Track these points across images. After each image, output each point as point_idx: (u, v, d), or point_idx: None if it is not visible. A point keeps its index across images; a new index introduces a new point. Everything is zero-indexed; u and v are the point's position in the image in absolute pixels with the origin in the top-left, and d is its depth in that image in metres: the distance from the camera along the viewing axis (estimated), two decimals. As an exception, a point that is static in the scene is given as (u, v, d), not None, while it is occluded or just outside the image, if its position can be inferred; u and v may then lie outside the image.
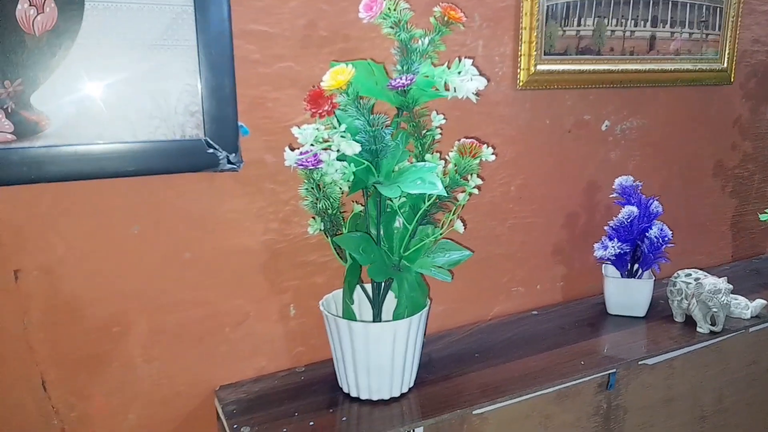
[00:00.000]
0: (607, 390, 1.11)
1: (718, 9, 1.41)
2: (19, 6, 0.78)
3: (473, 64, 0.87)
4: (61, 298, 0.89)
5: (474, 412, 0.95)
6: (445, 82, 0.88)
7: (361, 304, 1.00)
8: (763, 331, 1.28)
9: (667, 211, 1.31)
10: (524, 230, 1.28)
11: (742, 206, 1.64)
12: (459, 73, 0.87)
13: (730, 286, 1.17)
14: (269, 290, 1.03)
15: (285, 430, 0.87)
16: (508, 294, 1.30)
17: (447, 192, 0.88)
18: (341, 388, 0.98)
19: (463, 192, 0.92)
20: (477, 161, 0.90)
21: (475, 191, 0.91)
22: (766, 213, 1.48)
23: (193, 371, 1.00)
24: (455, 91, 0.86)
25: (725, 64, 1.46)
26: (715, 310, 1.16)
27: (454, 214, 0.92)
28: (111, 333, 0.93)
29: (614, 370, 1.08)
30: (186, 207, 0.94)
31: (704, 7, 1.39)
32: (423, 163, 0.88)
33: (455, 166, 0.90)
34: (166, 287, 0.96)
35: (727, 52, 1.45)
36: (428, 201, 0.89)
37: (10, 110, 0.80)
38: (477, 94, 0.86)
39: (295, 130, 0.85)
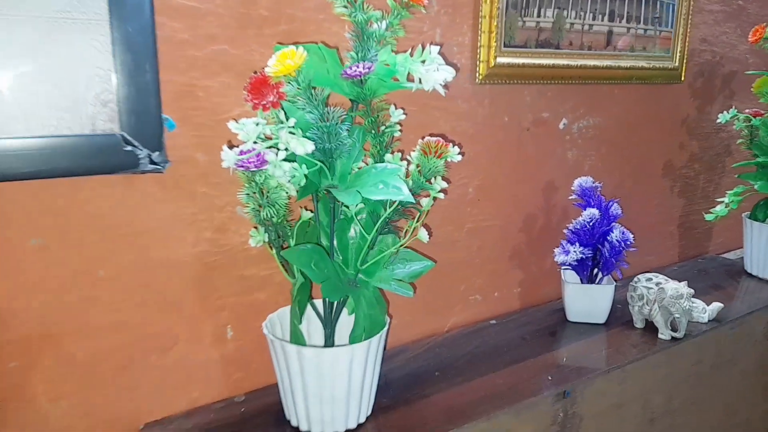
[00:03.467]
0: (564, 398, 1.04)
1: (671, 6, 1.39)
2: None
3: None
4: (-64, 330, 0.72)
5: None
6: (408, 72, 0.77)
7: (310, 324, 0.88)
8: (709, 333, 1.27)
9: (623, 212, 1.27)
10: (482, 234, 1.20)
11: (689, 206, 1.64)
12: (423, 62, 0.76)
13: (692, 291, 1.14)
14: (202, 309, 0.89)
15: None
16: (465, 303, 1.21)
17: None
18: (288, 421, 0.85)
19: (427, 197, 0.82)
20: (442, 162, 0.80)
21: (441, 195, 0.81)
22: (711, 213, 1.48)
23: (113, 407, 0.84)
24: (420, 82, 0.75)
25: (677, 63, 1.43)
26: (677, 315, 1.12)
27: (418, 221, 0.81)
28: (7, 368, 0.76)
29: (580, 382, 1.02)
30: (99, 215, 0.78)
31: (658, 3, 1.36)
32: (384, 164, 0.76)
33: (418, 167, 0.80)
34: (76, 310, 0.80)
35: (678, 50, 1.43)
36: (389, 208, 0.78)
37: None
38: (445, 86, 0.76)
39: (232, 125, 0.71)
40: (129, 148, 0.76)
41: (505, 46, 1.12)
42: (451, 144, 0.81)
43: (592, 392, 1.07)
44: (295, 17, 0.89)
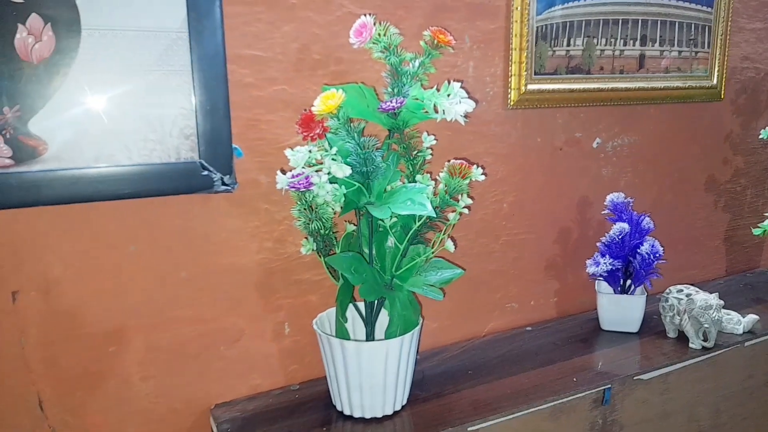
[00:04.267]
0: (602, 405, 1.11)
1: (707, 27, 1.44)
2: (18, 35, 0.80)
3: (464, 86, 0.89)
4: (58, 318, 0.91)
5: (468, 429, 0.96)
6: (435, 105, 0.89)
7: (355, 323, 1.01)
8: (758, 345, 1.29)
9: (660, 226, 1.32)
10: (517, 247, 1.30)
11: (735, 221, 1.65)
12: (448, 95, 0.89)
13: (722, 302, 1.18)
14: (264, 308, 1.04)
15: (275, 447, 0.88)
16: (502, 310, 1.31)
17: (437, 213, 0.90)
18: (335, 406, 0.99)
19: (453, 212, 0.93)
20: (466, 182, 0.92)
21: (465, 211, 0.93)
22: (759, 227, 1.49)
23: (189, 389, 1.01)
24: (444, 113, 0.88)
25: (715, 81, 1.48)
26: (706, 326, 1.17)
27: (444, 233, 0.93)
28: (108, 351, 0.95)
29: (609, 386, 1.09)
30: (181, 227, 0.96)
31: (693, 25, 1.42)
32: (413, 184, 0.89)
33: (445, 186, 0.92)
34: (163, 305, 0.97)
35: (716, 69, 1.47)
36: (419, 221, 0.90)
37: (8, 136, 0.82)
38: (466, 116, 0.88)
39: (288, 152, 0.86)
40: (205, 172, 0.93)
41: (535, 74, 1.22)
42: (474, 165, 0.93)
43: (633, 401, 1.13)
44: (342, 59, 1.04)
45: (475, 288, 1.26)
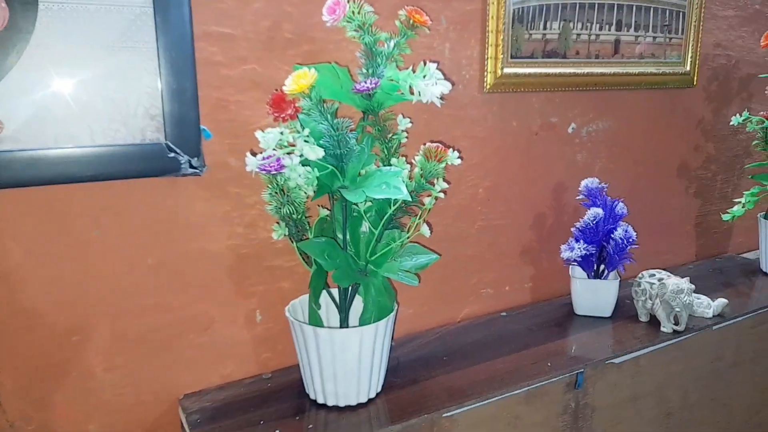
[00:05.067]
0: (575, 389, 1.12)
1: (681, 13, 1.44)
2: (-32, 6, 0.75)
3: (440, 68, 0.87)
4: (18, 306, 0.87)
5: (443, 415, 0.95)
6: (410, 86, 0.87)
7: (329, 310, 0.99)
8: (725, 328, 1.31)
9: (634, 212, 1.33)
10: (493, 232, 1.29)
11: (706, 206, 1.68)
12: (424, 77, 0.87)
13: (692, 286, 1.19)
14: (235, 295, 1.02)
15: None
16: (477, 296, 1.30)
17: (412, 196, 0.88)
18: (308, 395, 0.97)
19: (428, 196, 0.92)
20: (443, 165, 0.90)
21: (441, 195, 0.91)
22: (728, 213, 1.52)
23: (157, 379, 0.98)
24: (419, 95, 0.86)
25: (688, 68, 1.49)
26: (677, 309, 1.18)
27: (420, 218, 0.92)
28: (71, 341, 0.91)
29: (582, 370, 1.10)
30: (148, 212, 0.92)
31: (667, 11, 1.42)
32: (388, 167, 0.87)
33: (421, 170, 0.90)
34: (129, 293, 0.94)
35: (690, 55, 1.48)
36: (394, 205, 0.88)
37: (-41, 114, 0.77)
38: (442, 98, 0.86)
39: (258, 134, 0.83)
40: (172, 154, 0.89)
41: (512, 58, 1.21)
42: (450, 149, 0.91)
43: (604, 384, 1.14)
44: (315, 39, 1.01)
45: (451, 273, 1.25)
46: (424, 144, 0.90)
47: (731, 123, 1.47)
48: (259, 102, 0.97)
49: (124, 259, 0.92)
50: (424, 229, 0.92)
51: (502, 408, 1.02)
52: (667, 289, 1.19)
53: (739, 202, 1.49)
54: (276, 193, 0.84)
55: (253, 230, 1.01)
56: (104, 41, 0.84)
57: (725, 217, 1.50)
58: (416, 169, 0.91)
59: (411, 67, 0.87)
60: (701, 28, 1.48)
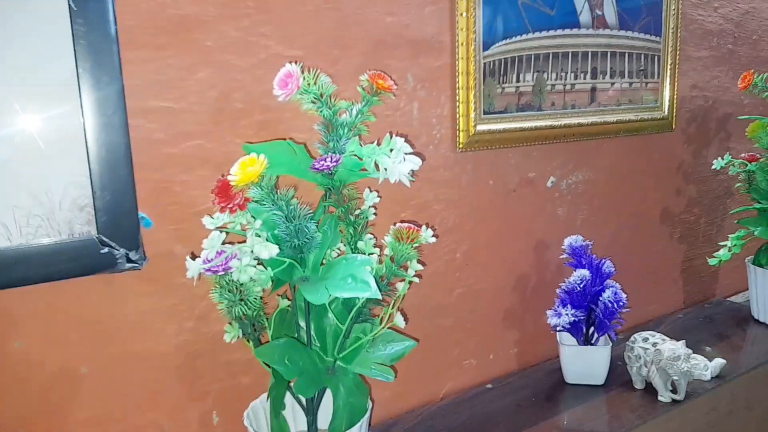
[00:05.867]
0: None
1: (656, 57, 1.39)
2: None
3: (409, 129, 0.78)
4: None
5: None
6: (375, 162, 0.78)
7: (295, 410, 0.87)
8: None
9: (618, 264, 1.25)
10: (473, 298, 1.19)
11: (691, 251, 1.61)
12: (390, 151, 0.77)
13: (689, 351, 1.11)
14: (187, 398, 0.89)
15: None
16: (459, 368, 1.20)
17: (382, 286, 0.78)
18: None
19: (402, 281, 0.82)
20: (416, 245, 0.80)
21: (416, 280, 0.82)
22: (714, 257, 1.45)
23: (98, 502, 0.85)
24: (386, 172, 0.76)
25: (666, 112, 1.43)
26: (675, 377, 1.10)
27: (393, 307, 0.82)
28: (-10, 470, 0.78)
29: None
30: (79, 314, 0.80)
31: (642, 55, 1.37)
32: (355, 255, 0.77)
33: (392, 253, 0.80)
34: (59, 408, 0.81)
35: (667, 99, 1.43)
36: (362, 299, 0.78)
37: None
38: (411, 174, 0.77)
39: (206, 221, 0.73)
40: (106, 249, 0.78)
41: (485, 113, 1.13)
42: (423, 227, 0.81)
43: None
44: (269, 107, 0.91)
45: (430, 347, 1.15)
46: (395, 224, 0.81)
47: (713, 167, 1.41)
48: (207, 180, 0.86)
49: (52, 370, 0.80)
50: (398, 319, 0.82)
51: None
52: (663, 356, 1.10)
53: (725, 245, 1.43)
54: (226, 291, 0.73)
55: (205, 323, 0.89)
56: (22, 125, 0.73)
57: (711, 261, 1.44)
58: (387, 251, 0.82)
59: (376, 141, 0.78)
60: (677, 71, 1.43)
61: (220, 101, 0.87)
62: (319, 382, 0.78)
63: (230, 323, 0.77)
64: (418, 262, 0.82)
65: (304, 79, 0.75)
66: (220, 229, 0.73)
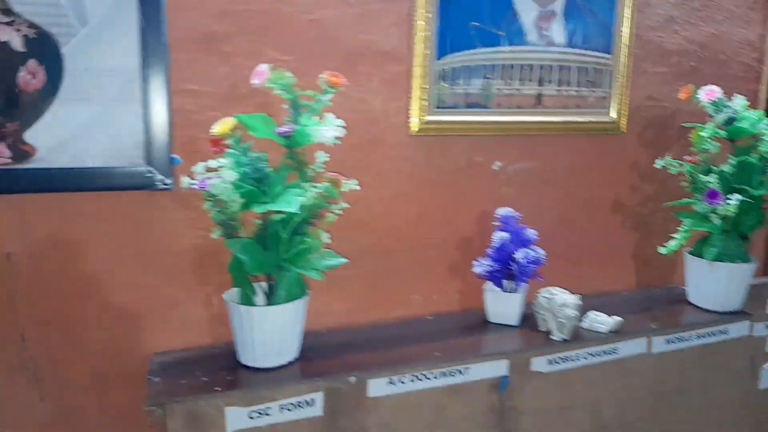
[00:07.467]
0: (500, 392, 1.35)
1: (607, 71, 1.67)
2: (20, 73, 1.16)
3: (370, 116, 1.17)
4: (42, 275, 1.25)
5: (369, 396, 1.22)
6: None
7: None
8: (669, 354, 1.51)
9: (562, 242, 1.53)
10: (423, 249, 1.56)
11: (647, 240, 1.84)
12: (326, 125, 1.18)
13: (579, 302, 1.41)
14: (196, 283, 1.36)
15: (182, 381, 1.18)
16: (407, 301, 1.57)
17: (309, 210, 1.19)
18: (239, 361, 1.28)
19: (331, 213, 1.22)
20: (340, 190, 1.21)
21: (339, 212, 1.22)
22: (664, 247, 1.69)
23: (136, 339, 1.33)
24: (320, 136, 1.17)
25: (615, 116, 1.70)
26: (562, 321, 1.40)
27: (321, 228, 1.22)
28: (74, 305, 1.28)
29: (506, 375, 1.33)
30: (132, 215, 1.29)
31: (592, 69, 1.65)
32: (295, 189, 1.19)
33: (324, 192, 1.21)
34: (116, 273, 1.30)
35: (616, 106, 1.69)
36: (297, 217, 1.19)
37: (10, 142, 1.17)
38: (338, 138, 1.17)
39: (207, 163, 1.18)
40: (149, 174, 1.25)
41: (436, 108, 1.50)
42: (350, 179, 1.21)
43: (531, 389, 1.37)
44: (266, 93, 1.35)
45: (384, 281, 1.53)
46: (331, 173, 1.22)
47: (655, 166, 1.66)
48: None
49: (114, 249, 1.29)
50: (323, 236, 1.22)
51: (425, 397, 1.27)
52: (555, 303, 1.40)
53: (676, 237, 1.66)
54: (213, 203, 1.17)
55: (212, 233, 1.35)
56: (107, 97, 1.22)
57: (661, 250, 1.68)
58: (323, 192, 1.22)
59: (319, 117, 1.19)
60: (628, 84, 1.69)
61: (231, 88, 1.32)
62: (264, 269, 1.20)
63: (216, 225, 1.22)
64: (344, 201, 1.22)
65: (272, 74, 1.18)
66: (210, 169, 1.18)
